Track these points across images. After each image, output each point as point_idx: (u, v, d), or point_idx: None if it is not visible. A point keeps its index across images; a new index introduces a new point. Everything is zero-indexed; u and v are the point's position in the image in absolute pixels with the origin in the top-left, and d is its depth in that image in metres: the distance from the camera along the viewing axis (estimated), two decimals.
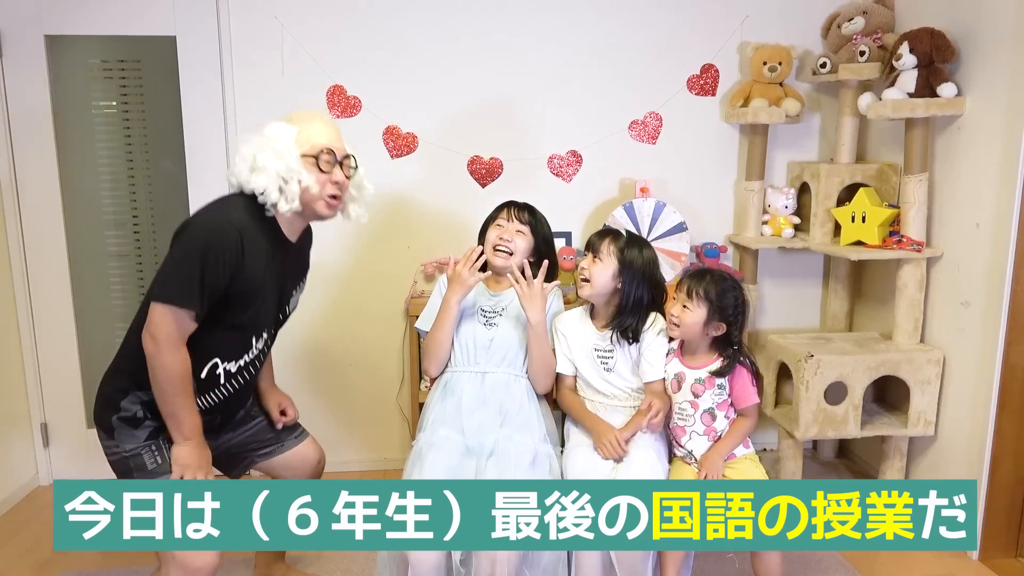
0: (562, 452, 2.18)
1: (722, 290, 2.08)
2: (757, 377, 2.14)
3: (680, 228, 2.97)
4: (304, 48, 2.90)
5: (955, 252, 2.63)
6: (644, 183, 3.02)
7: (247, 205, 1.82)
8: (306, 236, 2.05)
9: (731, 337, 2.11)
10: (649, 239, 2.96)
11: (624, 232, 2.25)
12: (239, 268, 1.74)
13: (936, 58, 2.54)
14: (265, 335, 1.92)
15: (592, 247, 2.22)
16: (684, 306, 2.09)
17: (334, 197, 1.88)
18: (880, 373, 2.68)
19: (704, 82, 3.09)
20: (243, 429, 2.09)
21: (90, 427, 3.07)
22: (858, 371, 2.66)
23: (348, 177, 1.91)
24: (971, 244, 2.55)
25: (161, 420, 1.80)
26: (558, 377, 2.29)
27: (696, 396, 2.12)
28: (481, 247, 2.25)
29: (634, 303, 2.16)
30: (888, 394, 2.94)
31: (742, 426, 2.13)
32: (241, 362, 1.88)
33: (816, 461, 3.24)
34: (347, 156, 1.91)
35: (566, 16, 3.00)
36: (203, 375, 1.82)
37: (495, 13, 2.97)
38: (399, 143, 3.02)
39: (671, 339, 2.19)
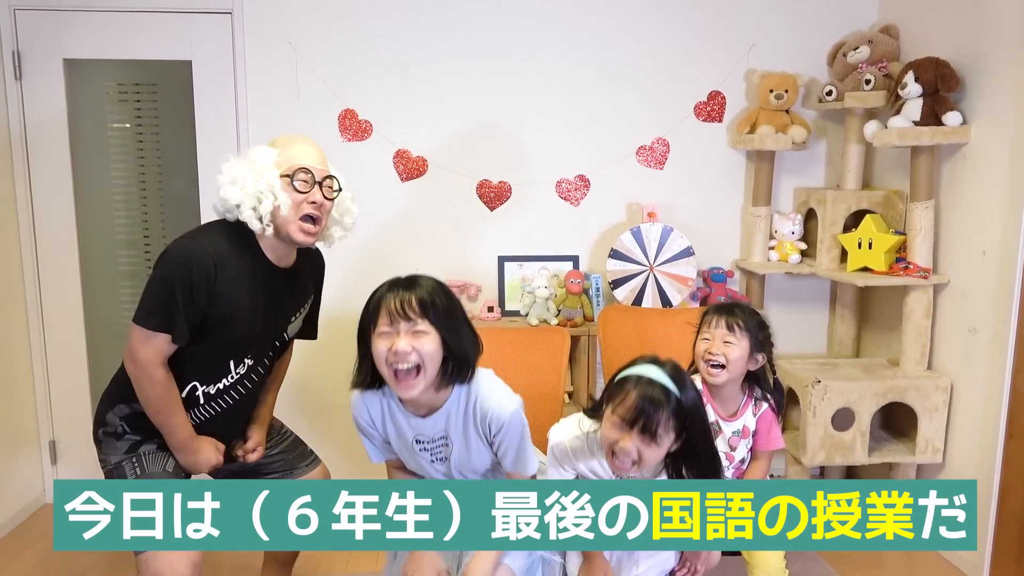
0: None
1: (756, 318, 1.96)
2: (781, 411, 2.03)
3: (687, 253, 2.99)
4: (316, 73, 2.95)
5: (962, 279, 2.64)
6: (651, 208, 3.04)
7: (227, 231, 1.83)
8: (305, 263, 2.01)
9: (766, 372, 1.98)
10: (656, 264, 2.98)
11: (669, 386, 1.58)
12: (212, 294, 1.75)
13: (941, 87, 2.56)
14: (249, 360, 1.91)
15: (645, 422, 1.56)
16: (727, 342, 1.91)
17: (310, 219, 1.83)
18: (887, 400, 2.67)
19: (711, 109, 3.13)
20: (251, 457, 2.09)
21: None
22: (865, 397, 2.65)
23: (328, 199, 1.86)
24: (978, 271, 2.56)
25: (141, 433, 1.87)
26: None
27: (732, 449, 1.99)
28: None
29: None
30: (895, 421, 2.93)
31: (762, 470, 2.01)
32: (220, 385, 1.89)
33: None
34: (328, 177, 1.86)
35: (575, 42, 3.04)
36: (184, 394, 1.85)
37: (505, 39, 3.02)
38: (409, 167, 3.06)
39: (714, 383, 1.96)
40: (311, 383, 3.11)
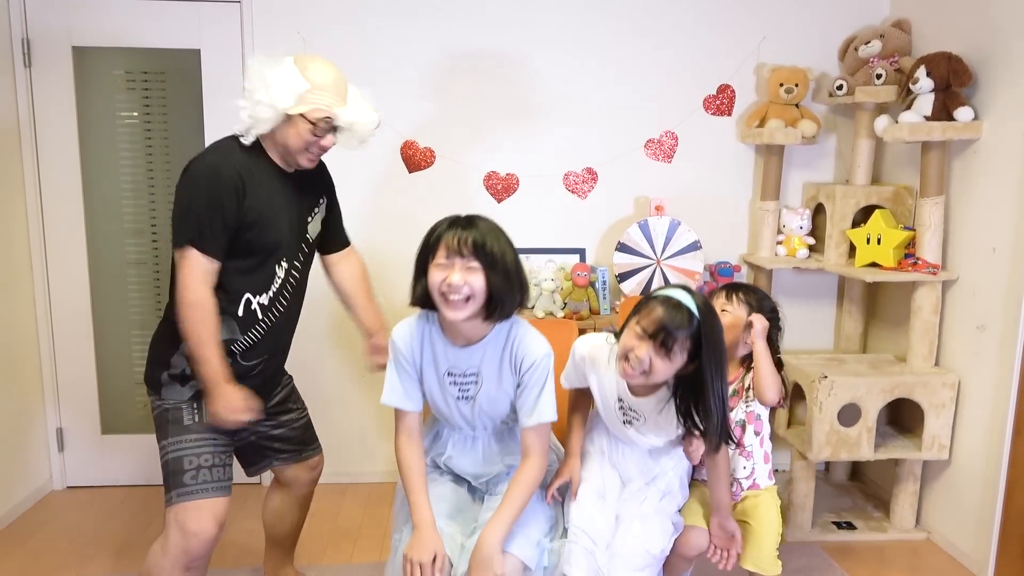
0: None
1: (760, 297, 2.07)
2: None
3: (694, 247, 2.98)
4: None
5: (971, 276, 2.62)
6: (659, 201, 3.04)
7: (238, 144, 1.89)
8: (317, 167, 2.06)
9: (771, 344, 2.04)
10: (663, 257, 2.98)
11: (694, 311, 1.70)
12: (243, 202, 1.81)
13: (953, 82, 2.55)
14: (286, 263, 1.96)
15: (664, 337, 1.69)
16: (723, 310, 2.04)
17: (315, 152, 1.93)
18: (894, 396, 2.66)
19: (720, 102, 3.11)
20: (282, 420, 2.15)
21: (105, 433, 3.10)
22: (872, 393, 2.65)
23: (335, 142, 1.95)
24: (987, 268, 2.54)
25: None
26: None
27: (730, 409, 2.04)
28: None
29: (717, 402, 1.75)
30: (902, 417, 2.92)
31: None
32: (270, 293, 1.93)
33: (828, 483, 3.21)
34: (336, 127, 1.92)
35: (584, 35, 3.03)
36: (240, 312, 1.89)
37: (514, 31, 3.01)
38: (416, 157, 3.05)
39: None
40: (320, 371, 3.12)
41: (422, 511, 1.75)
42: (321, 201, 2.09)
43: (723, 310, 2.04)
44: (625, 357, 1.74)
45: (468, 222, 1.72)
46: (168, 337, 1.91)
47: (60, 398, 3.06)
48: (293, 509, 2.28)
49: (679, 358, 1.72)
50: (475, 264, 1.67)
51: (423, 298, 1.75)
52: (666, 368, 1.72)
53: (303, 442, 2.21)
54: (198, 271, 1.80)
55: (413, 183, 3.07)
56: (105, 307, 3.06)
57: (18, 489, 2.92)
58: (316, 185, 2.08)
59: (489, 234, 1.70)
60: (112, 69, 2.96)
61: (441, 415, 1.90)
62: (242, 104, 1.85)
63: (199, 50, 2.89)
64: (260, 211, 1.85)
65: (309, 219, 2.04)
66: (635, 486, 1.94)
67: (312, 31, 2.94)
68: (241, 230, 1.83)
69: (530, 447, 1.79)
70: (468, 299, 1.68)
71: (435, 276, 1.69)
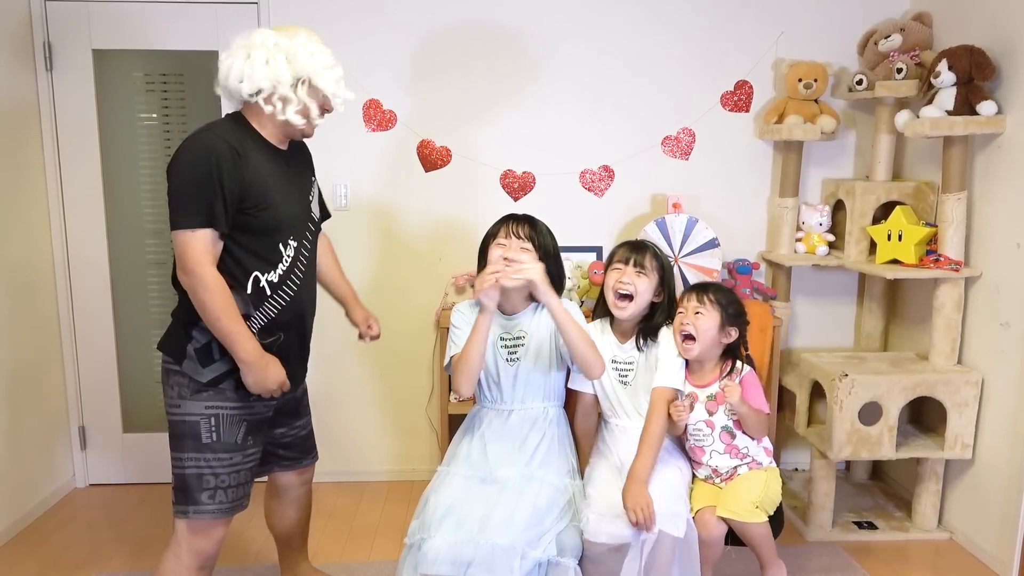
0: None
1: (728, 295, 2.10)
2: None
3: (712, 244, 2.96)
4: (342, 63, 2.94)
5: (994, 272, 2.59)
6: (676, 199, 3.02)
7: (233, 122, 1.89)
8: (294, 143, 2.06)
9: (739, 345, 2.11)
10: (681, 255, 2.96)
11: (649, 244, 2.23)
12: (242, 175, 1.79)
13: (976, 76, 2.51)
14: (293, 242, 1.93)
15: (634, 260, 2.14)
16: (697, 312, 2.06)
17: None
18: (916, 394, 2.63)
19: (738, 98, 3.09)
20: (294, 424, 2.15)
21: (127, 431, 3.14)
22: (893, 391, 2.62)
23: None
24: (1011, 264, 2.51)
25: (229, 364, 1.85)
26: (574, 397, 2.25)
27: (710, 414, 2.09)
28: (495, 275, 2.00)
29: (668, 305, 2.19)
30: (924, 415, 2.89)
31: (748, 423, 2.06)
32: (279, 271, 1.90)
33: (849, 482, 3.18)
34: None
35: (600, 32, 3.02)
36: (249, 290, 1.85)
37: (530, 29, 3.00)
38: (433, 156, 3.06)
39: (687, 357, 2.12)
40: (337, 370, 3.13)
41: None
42: (313, 179, 2.10)
43: (697, 312, 2.07)
44: (613, 291, 2.14)
45: (527, 218, 2.18)
46: (185, 314, 1.87)
47: (82, 397, 3.10)
48: (288, 510, 2.28)
49: (654, 276, 2.14)
50: (527, 245, 2.12)
51: None
52: (645, 286, 2.12)
53: (304, 451, 2.22)
54: (210, 255, 1.76)
55: (430, 182, 3.07)
56: (126, 307, 3.10)
57: (43, 486, 2.96)
58: (307, 163, 2.10)
59: (540, 230, 2.17)
60: (131, 71, 3.00)
61: (488, 382, 2.19)
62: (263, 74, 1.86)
63: (217, 51, 2.91)
64: (262, 186, 1.83)
65: (311, 198, 2.04)
66: None
67: (328, 31, 2.93)
68: (245, 205, 1.80)
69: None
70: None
71: (495, 252, 2.10)
